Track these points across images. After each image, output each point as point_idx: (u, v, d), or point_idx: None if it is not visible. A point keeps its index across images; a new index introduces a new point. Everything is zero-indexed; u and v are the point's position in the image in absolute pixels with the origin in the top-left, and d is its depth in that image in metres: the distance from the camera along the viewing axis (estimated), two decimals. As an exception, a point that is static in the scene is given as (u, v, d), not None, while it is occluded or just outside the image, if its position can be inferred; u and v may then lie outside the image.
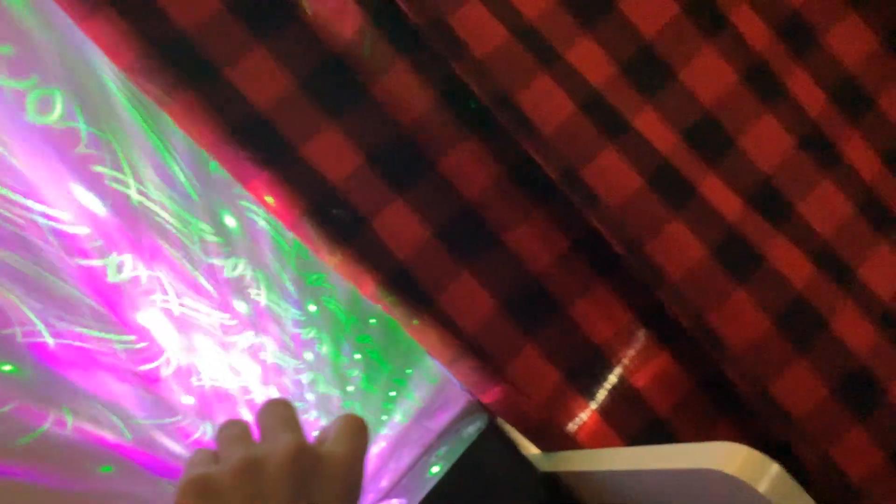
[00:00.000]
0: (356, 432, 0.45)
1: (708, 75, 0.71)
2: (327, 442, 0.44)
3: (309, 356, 0.69)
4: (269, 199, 0.63)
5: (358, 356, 0.72)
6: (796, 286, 0.67)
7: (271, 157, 0.62)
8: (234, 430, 0.45)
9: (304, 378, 0.69)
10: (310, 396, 0.70)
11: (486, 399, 0.66)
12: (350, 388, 0.72)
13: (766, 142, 0.72)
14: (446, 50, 0.63)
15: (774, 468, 0.44)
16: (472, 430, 0.65)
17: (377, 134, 0.66)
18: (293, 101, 0.64)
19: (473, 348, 0.66)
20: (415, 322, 0.65)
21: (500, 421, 0.69)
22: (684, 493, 0.50)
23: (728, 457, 0.45)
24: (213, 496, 0.40)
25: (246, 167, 0.62)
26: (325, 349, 0.71)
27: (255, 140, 0.62)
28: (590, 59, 0.68)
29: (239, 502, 0.39)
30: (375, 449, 0.71)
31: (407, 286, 0.65)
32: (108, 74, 0.63)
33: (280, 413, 0.45)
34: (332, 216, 0.64)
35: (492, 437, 0.63)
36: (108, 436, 0.60)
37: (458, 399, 0.73)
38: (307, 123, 0.64)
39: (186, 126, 0.61)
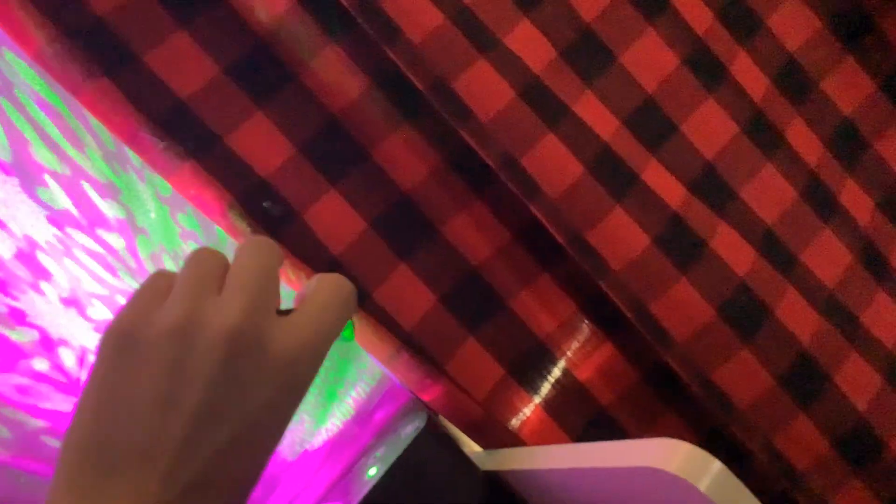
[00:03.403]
0: (327, 309, 0.39)
1: (649, 59, 0.70)
2: (291, 314, 0.38)
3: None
4: (193, 192, 0.60)
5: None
6: (739, 273, 0.66)
7: (194, 148, 0.59)
8: (199, 269, 0.38)
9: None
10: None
11: (426, 397, 0.64)
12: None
13: (709, 127, 0.70)
14: (379, 34, 0.61)
15: (716, 465, 0.42)
16: (410, 429, 0.63)
17: (308, 123, 0.64)
18: (217, 89, 0.61)
19: (412, 344, 0.64)
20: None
21: (441, 418, 0.67)
22: (626, 491, 0.48)
23: (668, 454, 0.43)
24: (133, 353, 0.36)
25: (167, 159, 0.59)
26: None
27: (176, 130, 0.59)
28: (529, 43, 0.66)
29: (156, 368, 0.35)
30: (310, 449, 0.69)
31: (342, 281, 0.63)
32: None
33: (255, 263, 0.38)
34: (262, 209, 0.62)
35: (432, 436, 0.61)
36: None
37: (397, 397, 0.71)
38: (233, 112, 0.61)
39: (102, 116, 0.58)
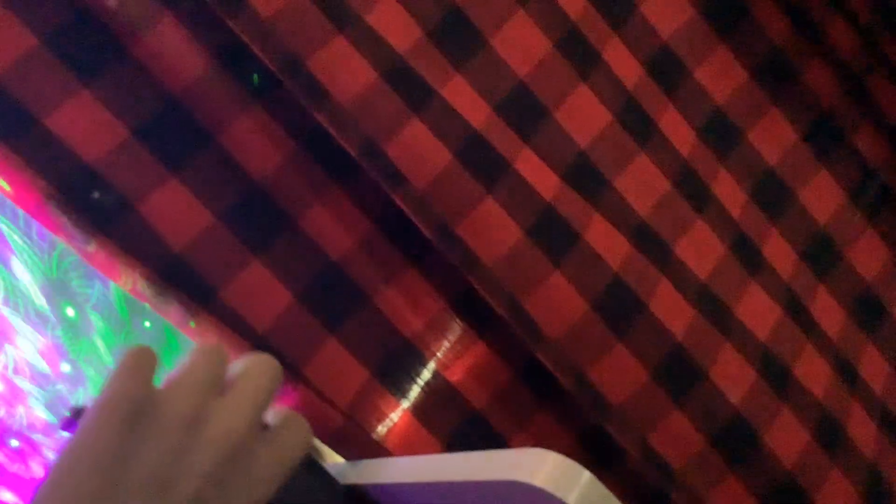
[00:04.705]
0: (300, 444, 0.44)
1: (521, 43, 0.66)
2: (269, 436, 0.42)
3: (66, 367, 0.59)
4: (4, 184, 0.52)
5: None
6: (613, 266, 0.64)
7: (6, 130, 0.52)
8: (209, 366, 0.42)
9: (64, 390, 0.59)
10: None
11: (281, 405, 0.59)
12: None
13: (582, 115, 0.68)
14: (221, 8, 0.55)
15: (584, 476, 0.39)
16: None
17: (143, 102, 0.57)
18: (33, 64, 0.54)
19: (265, 348, 0.58)
20: (192, 323, 0.56)
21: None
22: (493, 505, 0.45)
23: (534, 466, 0.39)
24: (140, 429, 0.38)
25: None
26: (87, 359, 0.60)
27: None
28: (392, 21, 0.61)
29: (162, 446, 0.38)
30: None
31: (182, 280, 0.56)
32: None
33: (260, 387, 0.42)
34: (90, 200, 0.54)
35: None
36: None
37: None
38: (53, 90, 0.54)
39: None
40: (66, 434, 0.43)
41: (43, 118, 0.53)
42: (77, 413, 0.49)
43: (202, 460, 0.38)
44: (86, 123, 0.55)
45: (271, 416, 0.45)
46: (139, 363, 0.40)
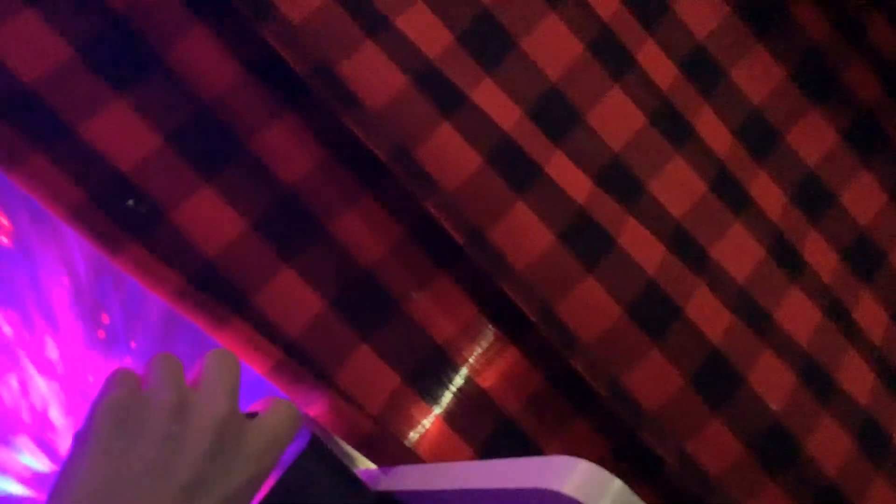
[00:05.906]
0: (286, 421, 0.48)
1: (552, 45, 0.66)
2: (256, 419, 0.46)
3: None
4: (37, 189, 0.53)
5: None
6: (648, 271, 0.63)
7: (41, 139, 0.53)
8: (168, 367, 0.45)
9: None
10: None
11: (312, 411, 0.59)
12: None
13: (616, 117, 0.67)
14: (251, 12, 0.55)
15: (615, 485, 0.38)
16: (291, 449, 0.57)
17: (176, 111, 0.57)
18: (68, 74, 0.54)
19: (296, 353, 0.58)
20: (224, 326, 0.56)
21: (327, 435, 0.61)
22: (523, 513, 0.44)
23: (564, 474, 0.39)
24: (131, 426, 0.41)
25: (7, 151, 0.52)
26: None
27: (19, 118, 0.52)
28: (422, 25, 0.61)
29: (155, 439, 0.41)
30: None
31: (215, 286, 0.57)
32: None
33: (226, 374, 0.46)
34: (124, 208, 0.55)
35: (315, 456, 0.55)
36: None
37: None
38: (88, 98, 0.55)
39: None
40: None
41: (78, 127, 0.54)
42: None
43: (195, 443, 0.42)
44: (120, 132, 0.55)
45: (260, 405, 0.49)
46: (122, 375, 0.45)
